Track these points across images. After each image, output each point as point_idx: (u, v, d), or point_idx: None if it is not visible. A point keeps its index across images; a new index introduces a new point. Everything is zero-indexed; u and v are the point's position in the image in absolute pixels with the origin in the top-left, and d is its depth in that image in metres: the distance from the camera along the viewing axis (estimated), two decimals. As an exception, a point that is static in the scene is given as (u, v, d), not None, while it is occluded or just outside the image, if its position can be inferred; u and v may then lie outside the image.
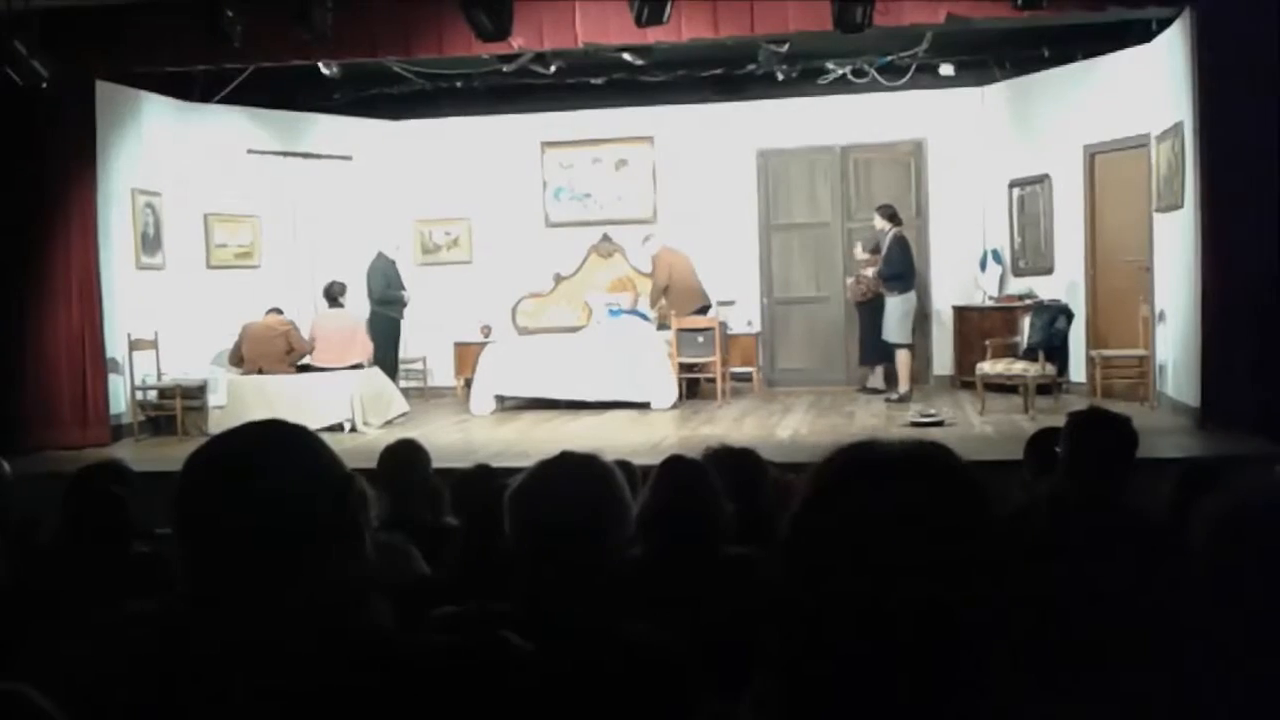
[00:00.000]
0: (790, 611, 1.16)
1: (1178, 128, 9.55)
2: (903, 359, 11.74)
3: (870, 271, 12.20)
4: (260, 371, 11.19)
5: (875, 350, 12.34)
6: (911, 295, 11.81)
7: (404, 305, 12.81)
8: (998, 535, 1.17)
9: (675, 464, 3.21)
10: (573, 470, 2.29)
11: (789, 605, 1.16)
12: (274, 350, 11.30)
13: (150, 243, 11.64)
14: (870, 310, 12.25)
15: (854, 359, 13.29)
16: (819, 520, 1.16)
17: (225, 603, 1.55)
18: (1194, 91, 9.02)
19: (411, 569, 3.69)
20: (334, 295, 11.94)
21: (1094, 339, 11.42)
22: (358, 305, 12.64)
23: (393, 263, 12.82)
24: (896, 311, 11.68)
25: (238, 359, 11.48)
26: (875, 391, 12.38)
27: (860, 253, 12.54)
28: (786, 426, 10.36)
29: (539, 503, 2.23)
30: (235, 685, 1.45)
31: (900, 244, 11.77)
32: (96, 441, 10.17)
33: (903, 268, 11.69)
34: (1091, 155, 11.64)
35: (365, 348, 11.77)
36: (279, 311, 11.75)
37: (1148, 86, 10.45)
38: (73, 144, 10.24)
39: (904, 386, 11.71)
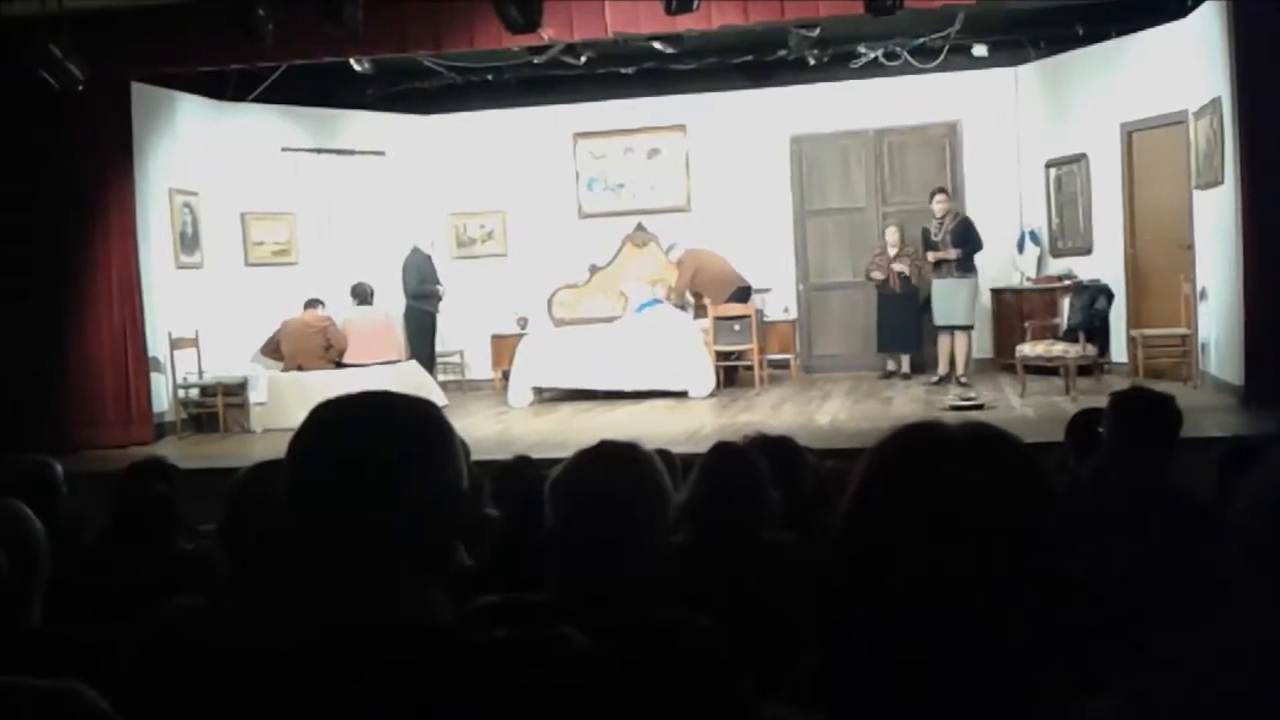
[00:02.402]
0: (843, 595, 1.16)
1: (1215, 103, 9.44)
2: (964, 341, 11.59)
3: (930, 256, 12.04)
4: (299, 368, 11.27)
5: (906, 337, 12.26)
6: (978, 276, 11.75)
7: (439, 299, 12.86)
8: (1059, 516, 1.16)
9: (722, 450, 3.20)
10: (612, 459, 2.29)
11: (843, 589, 1.16)
12: (312, 346, 11.39)
13: (189, 242, 11.74)
14: (907, 297, 12.15)
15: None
16: (879, 502, 1.16)
17: (291, 589, 1.53)
18: (1231, 66, 8.91)
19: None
20: (363, 295, 12.05)
21: (1134, 318, 11.32)
22: (392, 300, 12.74)
23: (428, 258, 12.88)
24: (966, 292, 11.55)
25: (274, 352, 11.59)
26: (891, 376, 12.29)
27: (893, 236, 12.40)
28: (825, 412, 10.32)
29: (579, 492, 2.23)
30: (290, 676, 1.45)
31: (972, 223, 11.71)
32: (140, 440, 10.28)
33: (978, 247, 11.63)
34: (1129, 133, 11.52)
35: (398, 343, 11.84)
36: (318, 303, 11.84)
37: (1184, 62, 10.34)
38: (110, 145, 10.34)
39: (962, 368, 11.53)
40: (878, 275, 12.32)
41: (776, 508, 3.11)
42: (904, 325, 12.29)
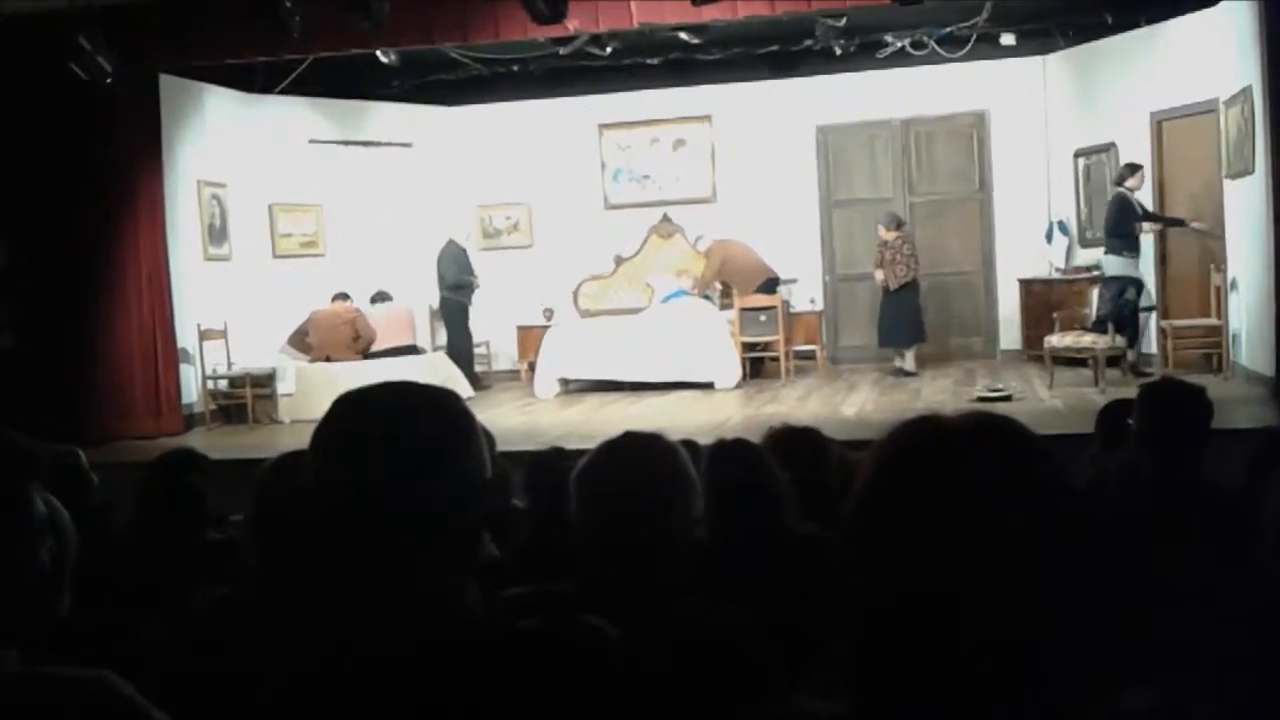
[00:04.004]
0: (858, 589, 1.16)
1: (1246, 92, 9.36)
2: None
3: (907, 249, 11.80)
4: (328, 359, 11.33)
5: (903, 332, 11.98)
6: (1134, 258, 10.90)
7: (474, 290, 12.93)
8: (1069, 500, 1.15)
9: (723, 448, 3.18)
10: (636, 450, 2.29)
11: (856, 582, 1.16)
12: (341, 338, 11.45)
13: (217, 234, 11.81)
14: (903, 293, 11.87)
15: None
16: (885, 494, 1.15)
17: (319, 580, 1.54)
18: (1262, 54, 8.83)
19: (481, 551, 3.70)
20: (382, 299, 12.23)
21: (1164, 309, 11.23)
22: (422, 292, 12.83)
23: (464, 250, 12.95)
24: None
25: (301, 343, 11.66)
26: (905, 374, 11.81)
27: (885, 232, 11.97)
28: (852, 404, 10.30)
29: (603, 483, 2.23)
30: (318, 667, 1.46)
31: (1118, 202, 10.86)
32: (169, 431, 10.35)
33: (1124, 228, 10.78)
34: (1159, 122, 11.43)
35: (412, 331, 12.00)
36: (345, 296, 11.91)
37: (1215, 51, 10.24)
38: (139, 138, 10.39)
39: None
40: (879, 275, 12.00)
41: (792, 497, 3.08)
42: (901, 319, 11.95)
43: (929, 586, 1.10)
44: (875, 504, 1.16)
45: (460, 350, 12.60)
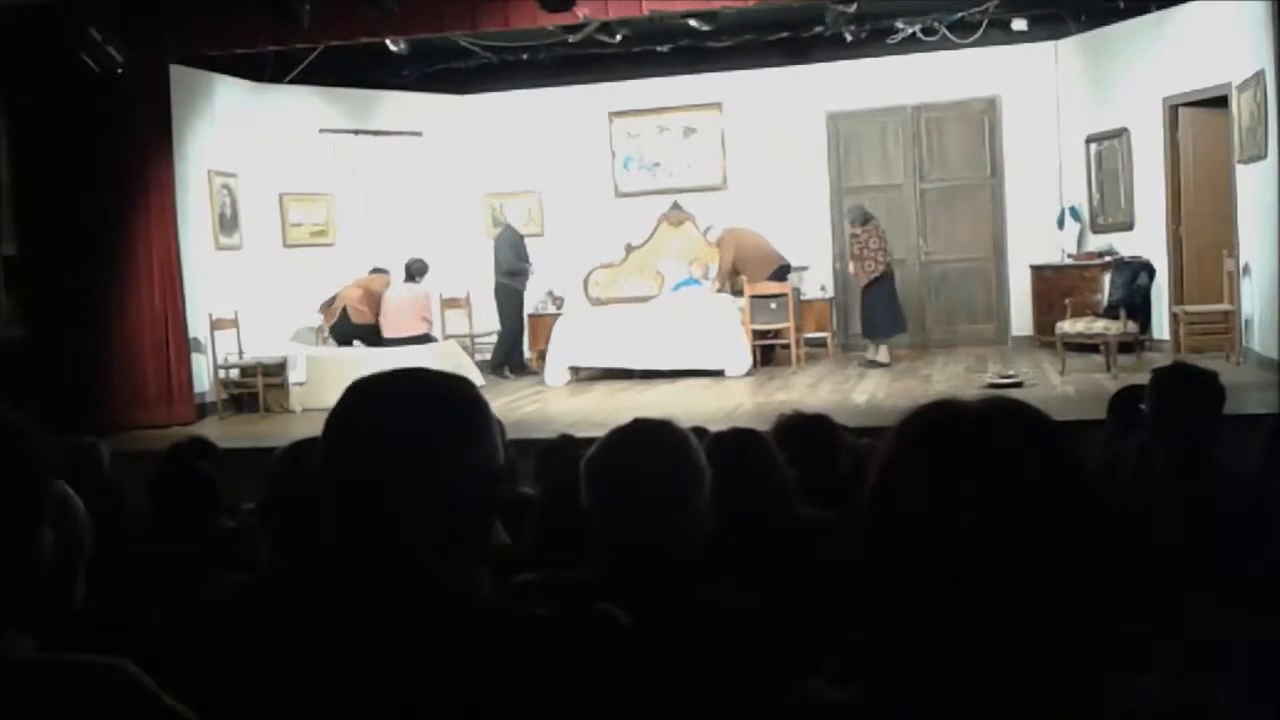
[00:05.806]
0: (874, 574, 1.15)
1: (1259, 76, 9.32)
2: None
3: (874, 243, 11.69)
4: (345, 315, 11.70)
5: (878, 325, 11.86)
6: None
7: (529, 277, 12.94)
8: (1088, 483, 1.15)
9: (721, 437, 3.18)
10: (646, 437, 2.29)
11: (872, 568, 1.16)
12: (354, 295, 11.93)
13: (228, 223, 11.83)
14: (878, 287, 11.76)
15: (930, 321, 13.19)
16: (902, 479, 1.15)
17: (329, 567, 1.54)
18: (1275, 38, 8.79)
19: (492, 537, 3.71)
20: (412, 273, 12.18)
21: (1177, 295, 11.20)
22: (449, 279, 13.01)
23: (521, 236, 12.97)
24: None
25: (328, 311, 11.99)
26: (877, 365, 11.65)
27: (851, 227, 11.88)
28: (863, 391, 10.28)
29: (613, 470, 2.23)
30: (329, 655, 1.46)
31: None
32: (182, 420, 10.38)
33: None
34: (1172, 107, 11.38)
35: (426, 319, 12.05)
36: (383, 271, 12.25)
37: (1227, 35, 10.20)
38: (149, 128, 10.40)
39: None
40: (851, 269, 11.94)
41: (794, 484, 3.07)
42: (873, 313, 11.83)
43: (945, 572, 1.10)
44: (892, 489, 1.16)
45: (511, 337, 12.75)
